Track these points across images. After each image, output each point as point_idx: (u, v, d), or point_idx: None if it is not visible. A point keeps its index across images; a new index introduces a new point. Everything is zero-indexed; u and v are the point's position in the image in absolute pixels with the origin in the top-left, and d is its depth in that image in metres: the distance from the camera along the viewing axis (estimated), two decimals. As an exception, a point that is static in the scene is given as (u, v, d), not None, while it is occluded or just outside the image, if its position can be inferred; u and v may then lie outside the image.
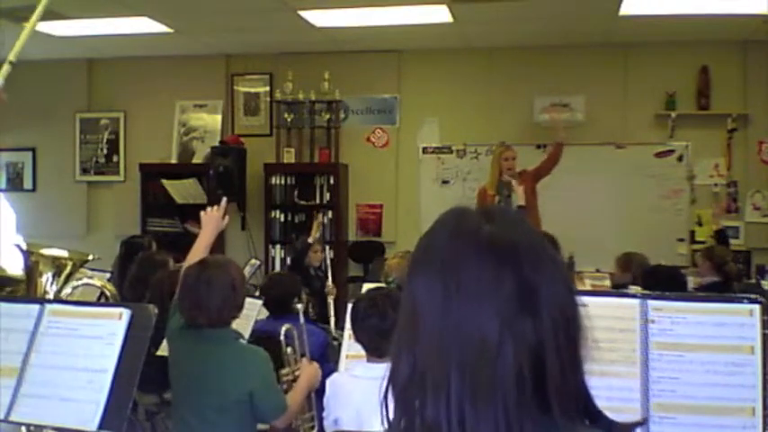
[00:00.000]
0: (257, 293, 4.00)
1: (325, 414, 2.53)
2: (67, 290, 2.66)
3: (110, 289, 2.93)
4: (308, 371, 2.92)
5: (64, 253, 2.72)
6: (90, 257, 2.83)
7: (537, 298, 0.87)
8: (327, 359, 3.52)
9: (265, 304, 3.74)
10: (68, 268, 2.67)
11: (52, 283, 2.64)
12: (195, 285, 2.55)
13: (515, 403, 0.83)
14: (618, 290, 4.13)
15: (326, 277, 5.38)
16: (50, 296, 2.60)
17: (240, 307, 2.66)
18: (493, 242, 0.89)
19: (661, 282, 4.11)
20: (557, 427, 0.85)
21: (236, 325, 2.81)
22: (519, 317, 0.86)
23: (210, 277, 2.55)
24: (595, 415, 0.91)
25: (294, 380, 2.95)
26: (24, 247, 2.70)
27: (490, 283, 0.87)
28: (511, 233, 0.91)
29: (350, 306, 2.57)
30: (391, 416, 0.92)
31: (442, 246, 0.92)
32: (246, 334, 3.27)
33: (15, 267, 3.03)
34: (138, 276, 4.09)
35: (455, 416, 0.83)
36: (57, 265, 2.65)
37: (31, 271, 2.67)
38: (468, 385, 0.84)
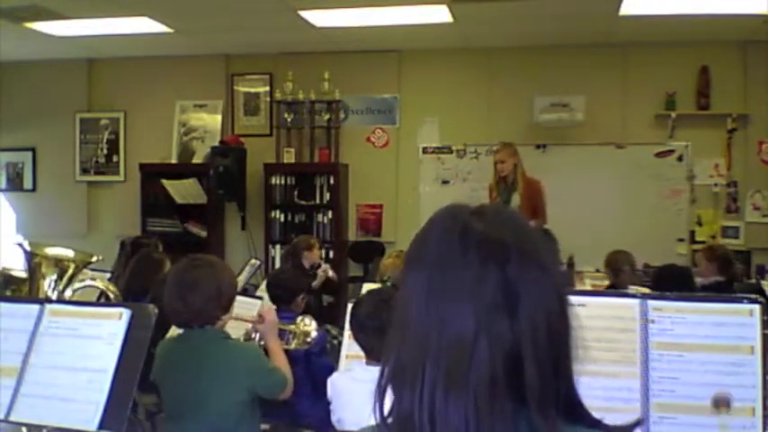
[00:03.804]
0: (258, 292, 4.01)
1: (331, 410, 2.54)
2: (68, 292, 2.66)
3: (113, 290, 2.93)
4: (265, 329, 2.86)
5: (68, 253, 2.71)
6: (94, 259, 2.83)
7: (518, 299, 0.87)
8: (326, 353, 3.53)
9: (271, 297, 3.76)
10: (71, 270, 2.67)
11: (55, 286, 2.63)
12: (181, 281, 2.55)
13: (487, 399, 0.84)
14: (618, 290, 4.14)
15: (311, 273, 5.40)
16: (52, 298, 2.59)
17: (225, 308, 2.62)
18: (480, 240, 0.90)
19: (669, 280, 4.15)
20: (532, 425, 0.85)
21: (235, 325, 2.82)
22: (497, 316, 0.86)
23: (196, 275, 2.55)
24: (581, 415, 0.91)
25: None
26: (28, 247, 2.70)
27: (472, 281, 0.88)
28: (500, 232, 0.91)
29: (350, 307, 2.57)
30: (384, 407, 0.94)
31: (431, 242, 0.94)
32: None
33: (17, 267, 3.03)
34: (136, 272, 4.12)
35: (426, 405, 0.85)
36: (60, 266, 2.65)
37: (34, 272, 2.66)
38: (441, 377, 0.86)
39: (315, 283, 5.26)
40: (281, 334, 2.98)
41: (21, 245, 2.72)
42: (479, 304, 0.87)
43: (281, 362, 2.76)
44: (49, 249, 2.72)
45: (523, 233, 0.93)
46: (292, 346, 3.01)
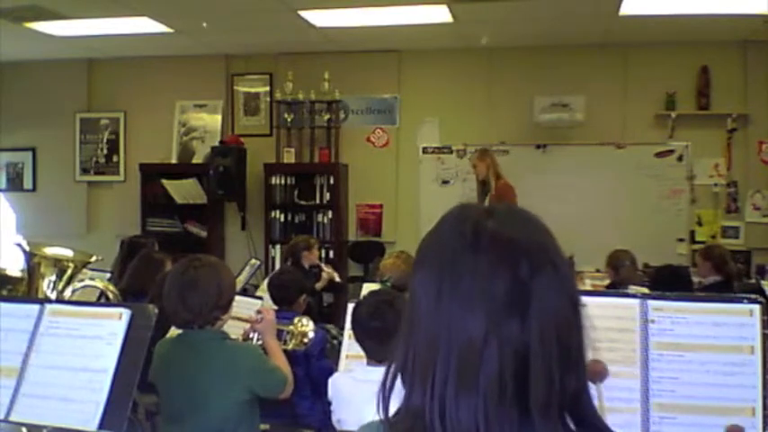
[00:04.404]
0: (258, 292, 4.01)
1: (332, 410, 2.54)
2: (67, 292, 2.65)
3: (112, 290, 2.92)
4: (264, 328, 2.87)
5: (67, 253, 2.71)
6: (93, 259, 2.83)
7: (529, 300, 0.86)
8: (326, 355, 3.53)
9: (273, 298, 3.75)
10: (70, 270, 2.66)
11: (54, 287, 2.63)
12: (181, 281, 2.55)
13: (496, 399, 0.84)
14: (618, 290, 4.15)
15: (320, 274, 5.41)
16: (52, 298, 2.59)
17: (225, 308, 2.61)
18: (491, 239, 0.89)
19: (666, 280, 4.21)
20: (534, 428, 0.84)
21: (233, 324, 2.81)
22: (508, 317, 0.85)
23: (197, 275, 2.55)
24: (588, 420, 0.90)
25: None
26: (27, 247, 2.69)
27: (483, 281, 0.87)
28: (512, 231, 0.90)
29: (351, 307, 2.57)
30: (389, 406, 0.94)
31: (442, 241, 0.93)
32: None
33: (16, 267, 3.02)
34: (138, 270, 4.12)
35: (437, 404, 0.85)
36: (59, 267, 2.64)
37: (33, 272, 2.66)
38: (451, 378, 0.85)
39: (318, 285, 5.27)
40: (279, 334, 2.97)
41: (19, 245, 2.72)
42: (490, 305, 0.86)
43: (280, 361, 2.76)
44: (47, 249, 2.71)
45: (537, 233, 0.92)
46: (290, 346, 3.01)
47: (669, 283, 4.13)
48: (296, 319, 3.08)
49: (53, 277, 2.64)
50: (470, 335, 0.85)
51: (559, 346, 0.86)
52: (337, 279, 5.55)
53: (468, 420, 0.84)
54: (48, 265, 2.65)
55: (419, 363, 0.89)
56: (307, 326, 3.04)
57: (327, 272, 5.42)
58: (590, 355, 0.92)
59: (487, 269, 0.87)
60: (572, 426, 0.88)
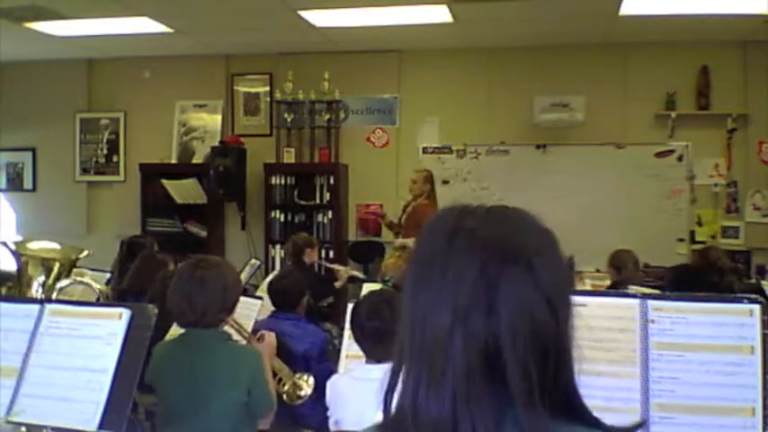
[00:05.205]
0: (258, 292, 4.00)
1: (329, 415, 2.54)
2: (60, 285, 2.65)
3: (102, 290, 2.92)
4: (262, 349, 2.86)
5: (55, 246, 2.71)
6: (85, 253, 2.82)
7: (495, 296, 0.87)
8: (327, 358, 3.53)
9: (274, 302, 3.75)
10: (57, 267, 2.66)
11: (44, 282, 2.63)
12: (187, 282, 2.56)
13: (465, 393, 0.86)
14: (618, 290, 4.14)
15: (327, 277, 5.43)
16: (40, 295, 2.59)
17: (230, 310, 2.63)
18: (467, 236, 0.91)
19: (687, 279, 4.17)
20: (518, 421, 0.85)
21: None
22: (473, 312, 0.87)
23: (203, 275, 2.55)
24: (580, 415, 0.91)
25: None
26: (12, 246, 2.69)
27: (452, 276, 0.89)
28: (489, 230, 0.92)
29: (350, 307, 2.57)
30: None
31: (424, 239, 0.96)
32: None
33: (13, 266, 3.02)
34: (139, 271, 4.12)
35: (410, 397, 0.89)
36: (46, 266, 2.64)
37: (23, 269, 2.65)
38: (423, 371, 0.88)
39: (338, 284, 5.32)
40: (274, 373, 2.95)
41: (5, 243, 2.72)
42: (457, 298, 0.88)
43: (272, 385, 2.76)
44: (31, 244, 2.71)
45: (516, 232, 0.93)
46: (283, 388, 2.97)
47: (690, 282, 4.04)
48: (298, 375, 3.05)
49: (43, 274, 2.64)
50: (437, 328, 0.88)
51: (535, 342, 0.87)
52: (355, 273, 5.59)
53: (437, 413, 0.86)
54: (35, 264, 2.64)
55: (401, 358, 0.92)
56: (307, 383, 3.01)
57: (343, 270, 5.45)
58: (579, 355, 0.92)
59: (458, 266, 0.89)
60: (560, 415, 0.89)
